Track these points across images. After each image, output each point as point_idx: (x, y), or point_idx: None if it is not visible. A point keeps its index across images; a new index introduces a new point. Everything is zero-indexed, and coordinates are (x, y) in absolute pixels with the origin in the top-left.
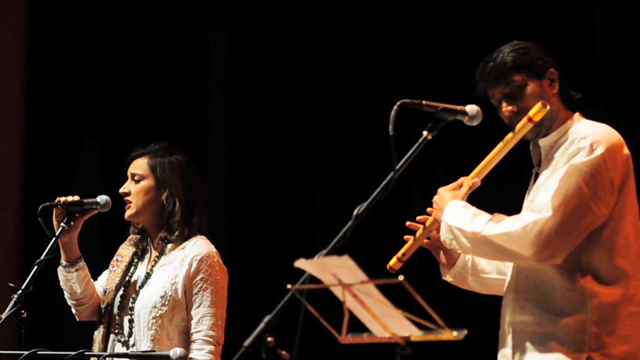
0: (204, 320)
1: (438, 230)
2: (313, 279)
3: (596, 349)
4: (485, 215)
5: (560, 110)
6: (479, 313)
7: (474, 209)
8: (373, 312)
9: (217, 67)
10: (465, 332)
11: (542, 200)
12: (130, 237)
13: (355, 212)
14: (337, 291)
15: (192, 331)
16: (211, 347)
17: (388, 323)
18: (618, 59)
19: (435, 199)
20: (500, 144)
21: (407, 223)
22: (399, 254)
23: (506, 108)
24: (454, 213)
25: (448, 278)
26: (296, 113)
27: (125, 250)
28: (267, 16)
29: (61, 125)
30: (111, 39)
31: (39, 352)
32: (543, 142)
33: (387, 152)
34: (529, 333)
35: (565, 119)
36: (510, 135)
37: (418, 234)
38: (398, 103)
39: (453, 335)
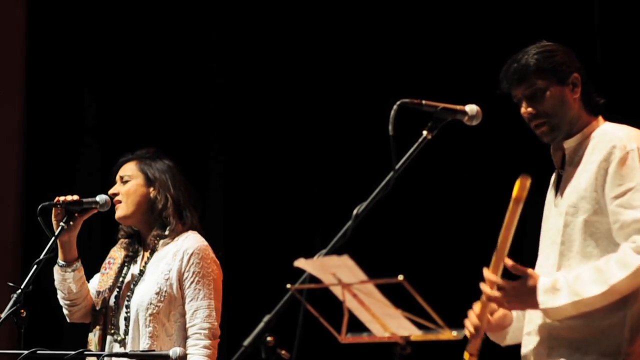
0: (197, 314)
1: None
2: (313, 279)
3: (633, 355)
4: (575, 276)
5: (581, 115)
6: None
7: (562, 280)
8: (373, 311)
9: (216, 66)
10: (464, 331)
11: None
12: (120, 241)
13: (355, 211)
14: (337, 291)
15: (187, 325)
16: (206, 342)
17: (388, 323)
18: (618, 65)
19: (506, 292)
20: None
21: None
22: (467, 355)
23: (525, 109)
24: (555, 295)
25: (508, 342)
26: (296, 113)
27: (117, 253)
28: (267, 15)
29: (61, 125)
30: (111, 39)
31: (38, 352)
32: (567, 144)
33: (387, 152)
34: (563, 338)
35: (587, 123)
36: (508, 211)
37: (482, 329)
38: (398, 103)
39: (453, 334)
